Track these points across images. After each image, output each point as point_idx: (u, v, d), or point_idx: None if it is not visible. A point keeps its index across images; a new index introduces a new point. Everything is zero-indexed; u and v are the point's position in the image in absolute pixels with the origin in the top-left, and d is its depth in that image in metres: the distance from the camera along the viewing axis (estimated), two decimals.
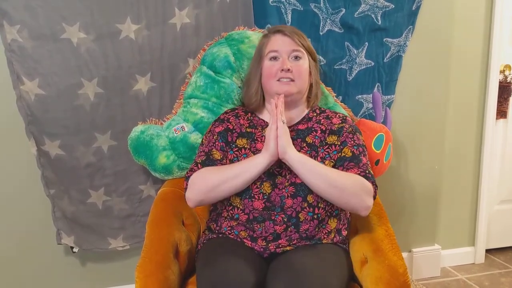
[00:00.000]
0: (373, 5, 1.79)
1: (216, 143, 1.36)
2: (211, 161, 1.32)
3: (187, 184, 1.29)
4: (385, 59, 1.87)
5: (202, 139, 1.41)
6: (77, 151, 1.64)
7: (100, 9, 1.57)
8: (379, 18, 1.82)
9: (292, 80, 1.33)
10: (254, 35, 1.59)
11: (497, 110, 2.19)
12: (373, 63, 1.86)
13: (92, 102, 1.61)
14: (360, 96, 1.88)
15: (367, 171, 1.26)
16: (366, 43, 1.83)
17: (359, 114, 1.88)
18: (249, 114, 1.43)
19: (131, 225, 1.77)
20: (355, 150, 1.30)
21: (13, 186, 1.71)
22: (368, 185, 1.23)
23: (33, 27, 1.53)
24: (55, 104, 1.58)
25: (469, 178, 2.24)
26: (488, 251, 2.37)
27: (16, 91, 1.56)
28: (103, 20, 1.57)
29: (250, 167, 1.23)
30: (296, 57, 1.36)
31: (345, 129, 1.35)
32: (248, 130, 1.38)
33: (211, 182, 1.25)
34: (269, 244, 1.23)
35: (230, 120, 1.40)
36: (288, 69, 1.32)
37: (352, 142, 1.32)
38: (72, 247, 1.74)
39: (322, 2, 1.75)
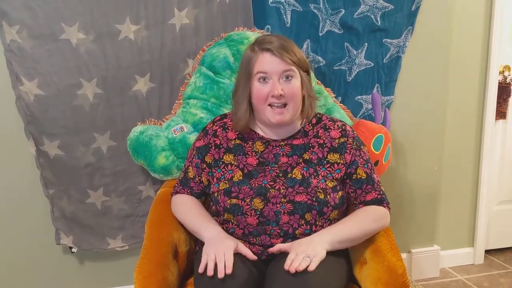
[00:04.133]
0: (372, 6, 1.80)
1: (193, 159, 1.36)
2: (186, 180, 1.37)
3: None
4: (384, 59, 1.87)
5: (189, 149, 1.44)
6: (76, 151, 1.64)
7: (100, 9, 1.57)
8: (378, 18, 1.82)
9: (285, 105, 1.26)
10: (254, 36, 1.59)
11: (496, 111, 2.19)
12: (372, 64, 1.86)
13: (92, 103, 1.61)
14: (359, 96, 1.88)
15: (381, 191, 1.31)
16: (366, 43, 1.83)
17: (359, 115, 1.88)
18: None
19: (130, 225, 1.77)
20: (367, 170, 1.30)
21: (12, 186, 1.71)
22: (383, 211, 1.28)
23: (32, 27, 1.53)
24: (54, 105, 1.58)
25: (468, 178, 2.24)
26: (487, 251, 2.37)
27: (16, 91, 1.56)
28: (102, 21, 1.57)
29: (198, 232, 1.25)
30: (287, 77, 1.25)
31: (348, 145, 1.29)
32: (237, 142, 1.33)
33: (178, 216, 1.35)
34: (267, 248, 1.23)
35: (217, 133, 1.34)
36: (280, 95, 1.23)
37: (362, 160, 1.30)
38: (71, 247, 1.74)
39: (321, 3, 1.75)
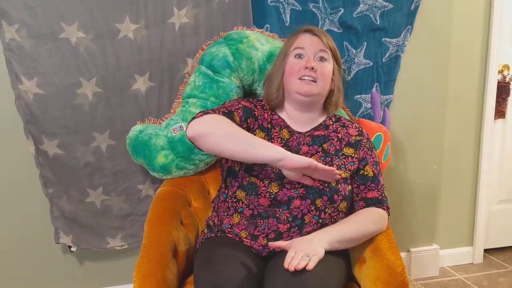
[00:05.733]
0: (371, 5, 1.80)
1: (239, 110, 1.30)
2: (231, 116, 1.25)
3: (197, 117, 1.22)
4: (383, 59, 1.88)
5: (223, 103, 1.36)
6: (75, 150, 1.64)
7: (99, 8, 1.57)
8: (377, 18, 1.82)
9: (314, 81, 1.32)
10: (253, 35, 1.59)
11: (495, 110, 2.20)
12: (371, 63, 1.86)
13: (91, 102, 1.61)
14: (358, 96, 1.88)
15: (383, 194, 1.33)
16: (365, 43, 1.83)
17: (358, 114, 1.89)
18: (270, 110, 1.41)
19: (129, 224, 1.77)
20: (375, 170, 1.34)
21: (11, 185, 1.71)
22: (382, 213, 1.29)
23: (32, 26, 1.53)
24: (54, 104, 1.58)
25: (468, 178, 2.25)
26: (486, 251, 2.37)
27: (15, 91, 1.56)
28: (102, 20, 1.57)
29: (264, 147, 1.15)
30: (321, 58, 1.34)
31: (363, 143, 1.36)
32: (268, 126, 1.37)
33: (223, 128, 1.18)
34: (269, 243, 1.23)
35: (257, 107, 1.38)
36: (312, 68, 1.30)
37: (372, 160, 1.35)
38: (70, 247, 1.74)
39: (320, 2, 1.75)
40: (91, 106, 1.62)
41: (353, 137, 1.37)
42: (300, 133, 1.37)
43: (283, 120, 1.39)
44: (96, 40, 1.58)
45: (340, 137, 1.37)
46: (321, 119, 1.41)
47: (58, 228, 1.71)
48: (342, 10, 1.78)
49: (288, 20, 1.75)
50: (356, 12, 1.79)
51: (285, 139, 1.34)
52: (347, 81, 1.85)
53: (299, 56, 1.35)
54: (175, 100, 1.65)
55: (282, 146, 1.31)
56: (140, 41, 1.61)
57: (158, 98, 1.68)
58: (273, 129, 1.36)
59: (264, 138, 1.32)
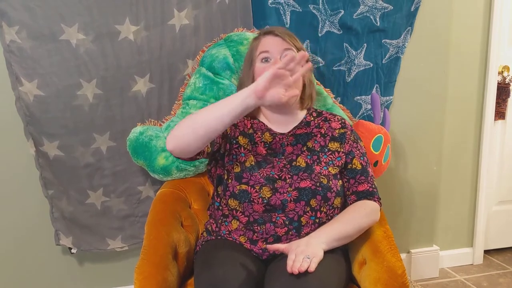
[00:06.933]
0: (372, 6, 1.80)
1: None
2: None
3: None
4: (383, 60, 1.88)
5: None
6: (76, 151, 1.64)
7: (99, 10, 1.57)
8: (377, 19, 1.82)
9: None
10: (253, 37, 1.59)
11: (495, 111, 2.20)
12: (371, 64, 1.86)
13: (91, 103, 1.61)
14: (358, 97, 1.88)
15: (373, 185, 1.33)
16: (365, 44, 1.83)
17: (358, 115, 1.89)
18: (250, 116, 1.41)
19: (129, 226, 1.77)
20: (362, 162, 1.34)
21: (11, 186, 1.71)
22: (374, 205, 1.29)
23: (32, 28, 1.53)
24: (54, 105, 1.58)
25: (468, 179, 2.25)
26: (486, 251, 2.37)
27: (15, 92, 1.56)
28: (102, 21, 1.57)
29: (228, 98, 1.13)
30: None
31: (347, 135, 1.35)
32: (250, 131, 1.36)
33: (186, 122, 1.18)
34: (267, 245, 1.23)
35: None
36: None
37: (358, 152, 1.35)
38: (70, 248, 1.74)
39: (321, 3, 1.75)
40: (91, 108, 1.62)
41: (337, 131, 1.35)
42: (282, 134, 1.35)
43: (264, 123, 1.37)
44: (96, 41, 1.58)
45: (323, 132, 1.35)
46: (301, 116, 1.39)
47: (58, 230, 1.71)
48: (342, 12, 1.78)
49: (288, 21, 1.75)
50: (356, 13, 1.79)
51: (268, 142, 1.33)
52: (347, 82, 1.85)
53: (266, 60, 1.33)
54: (176, 102, 1.65)
55: (266, 150, 1.32)
56: (140, 43, 1.61)
57: (158, 99, 1.68)
58: (255, 134, 1.35)
59: (247, 144, 1.32)
